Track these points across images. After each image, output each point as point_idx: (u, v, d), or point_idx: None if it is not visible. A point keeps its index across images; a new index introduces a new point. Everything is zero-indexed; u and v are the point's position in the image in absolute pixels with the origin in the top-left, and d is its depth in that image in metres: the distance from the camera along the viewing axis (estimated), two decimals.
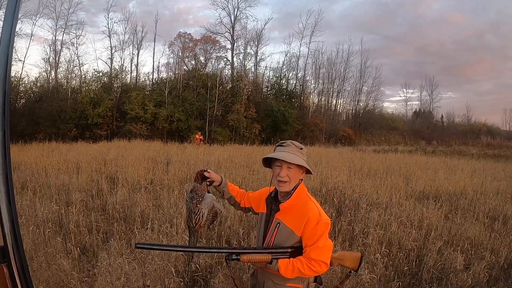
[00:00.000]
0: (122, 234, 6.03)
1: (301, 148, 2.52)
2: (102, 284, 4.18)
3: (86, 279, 4.46)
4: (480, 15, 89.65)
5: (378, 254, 5.47)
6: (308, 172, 2.53)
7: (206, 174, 2.74)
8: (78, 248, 5.20)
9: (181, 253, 4.96)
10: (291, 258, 2.35)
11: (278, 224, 2.46)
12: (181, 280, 4.49)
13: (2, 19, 1.21)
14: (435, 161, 21.92)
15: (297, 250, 2.40)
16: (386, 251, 5.71)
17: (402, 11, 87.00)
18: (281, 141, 2.57)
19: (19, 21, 32.94)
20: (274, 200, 2.57)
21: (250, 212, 2.91)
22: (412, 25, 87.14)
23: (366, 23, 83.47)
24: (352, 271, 2.70)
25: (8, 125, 1.18)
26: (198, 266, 4.83)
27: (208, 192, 2.79)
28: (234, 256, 2.28)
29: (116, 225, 6.31)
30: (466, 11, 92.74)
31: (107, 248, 5.33)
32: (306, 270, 2.31)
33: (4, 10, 1.16)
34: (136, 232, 5.88)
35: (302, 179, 2.53)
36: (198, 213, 2.64)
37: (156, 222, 6.20)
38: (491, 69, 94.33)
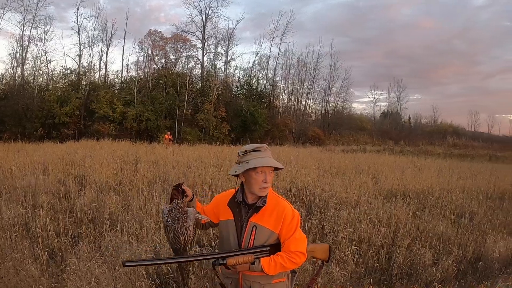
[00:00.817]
0: (91, 237, 5.92)
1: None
2: None
3: (55, 284, 4.35)
4: (449, 21, 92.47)
5: (348, 252, 5.54)
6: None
7: (185, 187, 2.57)
8: (46, 252, 5.07)
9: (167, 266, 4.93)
10: (272, 255, 2.40)
11: (254, 227, 2.44)
12: (153, 282, 4.45)
13: None
14: (402, 161, 22.33)
15: (275, 247, 2.45)
16: (356, 248, 5.78)
17: (373, 15, 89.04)
18: (256, 146, 2.49)
19: None
20: (245, 205, 2.52)
21: (207, 228, 2.82)
22: (383, 29, 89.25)
23: (337, 25, 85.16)
24: (324, 262, 2.79)
25: None
26: (169, 268, 4.80)
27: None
28: (220, 261, 2.29)
29: (85, 228, 6.18)
30: (435, 17, 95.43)
31: (76, 252, 5.20)
32: (287, 263, 2.38)
33: None
34: (106, 235, 5.78)
35: None
36: (185, 233, 2.44)
37: (126, 224, 6.11)
38: (458, 73, 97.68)
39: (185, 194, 2.55)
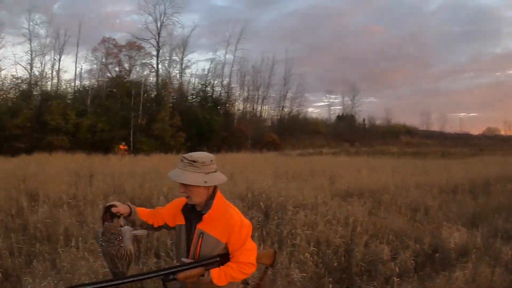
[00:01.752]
0: (46, 254, 5.77)
1: (195, 162, 2.38)
2: None
3: None
4: (399, 27, 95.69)
5: (307, 254, 5.60)
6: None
7: (114, 210, 2.42)
8: (0, 273, 4.95)
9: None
10: (221, 266, 2.36)
11: (201, 234, 2.40)
12: None
13: None
14: (358, 161, 22.88)
15: (224, 258, 2.41)
16: (315, 249, 5.83)
17: (326, 22, 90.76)
18: (181, 157, 2.47)
19: None
20: (192, 211, 2.50)
21: (164, 229, 2.77)
22: (335, 36, 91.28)
23: (291, 32, 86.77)
24: (269, 267, 2.81)
25: None
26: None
27: (122, 226, 2.51)
28: (171, 277, 2.26)
29: (39, 246, 6.02)
30: (386, 23, 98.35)
31: (31, 271, 5.09)
32: (237, 274, 2.35)
33: None
34: (61, 252, 5.66)
35: (215, 188, 2.48)
36: (124, 254, 2.38)
37: (81, 239, 6.01)
38: (409, 76, 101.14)
39: (117, 215, 2.45)
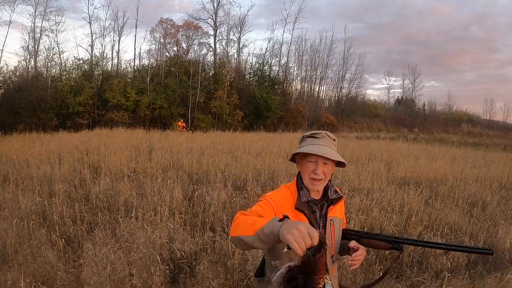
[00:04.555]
0: (107, 223, 6.01)
1: (334, 140, 2.17)
2: (88, 275, 4.17)
3: (72, 270, 4.44)
4: (467, 8, 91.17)
5: None
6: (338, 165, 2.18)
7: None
8: (63, 239, 5.13)
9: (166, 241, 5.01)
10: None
11: (331, 221, 2.15)
12: (167, 267, 4.52)
13: None
14: (416, 148, 22.23)
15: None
16: None
17: (389, 0, 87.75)
18: (313, 132, 2.16)
19: None
20: (316, 204, 2.13)
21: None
22: (398, 15, 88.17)
23: (352, 11, 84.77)
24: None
25: None
26: (183, 253, 4.87)
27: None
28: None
29: (100, 215, 6.28)
30: (452, 2, 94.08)
31: (92, 238, 5.29)
32: None
33: None
34: (121, 221, 5.86)
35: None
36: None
37: (140, 210, 6.19)
38: (474, 60, 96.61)
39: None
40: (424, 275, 4.84)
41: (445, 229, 6.46)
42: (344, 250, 2.25)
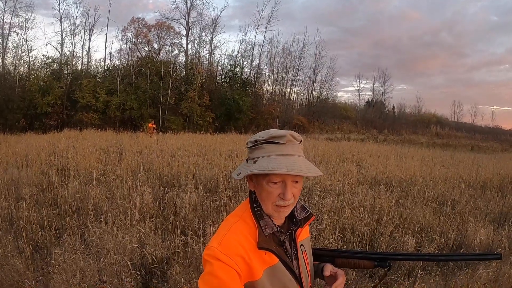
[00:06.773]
0: (75, 228, 5.91)
1: (301, 141, 1.58)
2: (57, 282, 4.09)
3: (40, 278, 4.36)
4: (437, 14, 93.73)
5: (332, 239, 5.63)
6: None
7: None
8: (30, 246, 5.03)
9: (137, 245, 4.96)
10: None
11: (302, 246, 1.66)
12: (138, 273, 4.48)
13: None
14: (386, 149, 22.59)
15: None
16: (340, 235, 5.86)
17: (362, 5, 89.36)
18: (273, 135, 1.48)
19: None
20: (284, 232, 1.58)
21: None
22: (371, 20, 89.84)
23: (325, 15, 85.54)
24: None
25: None
26: (154, 258, 4.83)
27: None
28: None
29: (69, 220, 6.16)
30: (423, 9, 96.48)
31: (61, 245, 5.20)
32: None
33: None
34: (90, 226, 5.78)
35: None
36: None
37: (110, 214, 6.11)
38: (443, 65, 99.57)
39: None
40: (397, 274, 4.93)
41: (416, 228, 6.60)
42: (317, 274, 1.79)
